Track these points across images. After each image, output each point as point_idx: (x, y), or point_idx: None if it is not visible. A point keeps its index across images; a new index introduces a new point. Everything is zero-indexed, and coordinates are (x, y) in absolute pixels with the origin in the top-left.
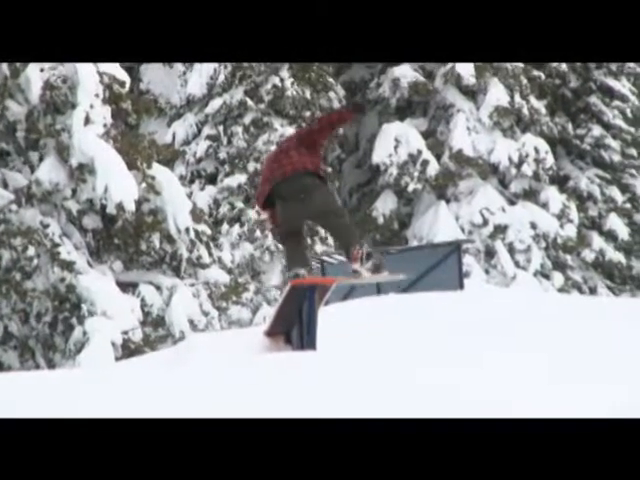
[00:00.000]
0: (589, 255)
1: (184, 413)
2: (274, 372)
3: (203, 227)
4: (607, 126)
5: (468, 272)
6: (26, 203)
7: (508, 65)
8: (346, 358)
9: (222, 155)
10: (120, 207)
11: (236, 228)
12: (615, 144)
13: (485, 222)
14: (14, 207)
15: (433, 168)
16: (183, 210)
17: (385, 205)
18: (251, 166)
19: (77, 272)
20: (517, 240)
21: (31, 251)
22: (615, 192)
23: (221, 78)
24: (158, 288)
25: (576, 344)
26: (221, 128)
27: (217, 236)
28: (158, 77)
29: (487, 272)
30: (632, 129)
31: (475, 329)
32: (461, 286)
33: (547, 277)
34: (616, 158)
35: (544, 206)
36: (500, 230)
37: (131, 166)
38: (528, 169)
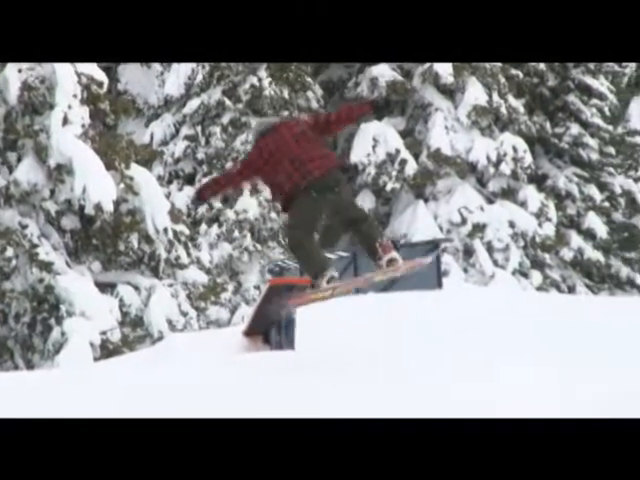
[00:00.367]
0: (567, 254)
1: (162, 413)
2: (252, 372)
3: (181, 227)
4: (585, 124)
5: (447, 271)
6: (4, 204)
7: (486, 64)
8: (324, 358)
9: (200, 155)
10: (98, 207)
11: (214, 228)
12: (593, 142)
13: (463, 221)
14: None
15: (411, 167)
16: (161, 210)
17: (363, 204)
18: (229, 166)
19: (55, 273)
20: (495, 239)
21: (9, 252)
22: (593, 190)
23: (199, 78)
24: (136, 288)
25: (555, 342)
26: (199, 128)
27: (195, 236)
28: (136, 77)
29: (466, 271)
30: (610, 127)
31: (454, 328)
32: (439, 285)
33: (525, 276)
34: (594, 156)
35: (522, 205)
36: (478, 229)
37: (109, 166)
38: (506, 168)
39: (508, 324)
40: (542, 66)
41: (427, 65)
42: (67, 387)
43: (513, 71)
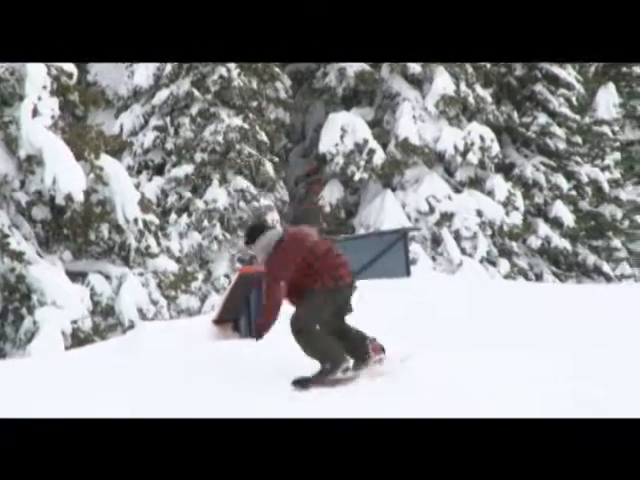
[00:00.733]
0: (535, 242)
1: (134, 400)
2: (221, 359)
3: (151, 217)
4: (552, 114)
5: (415, 259)
6: None
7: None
8: (293, 346)
9: (169, 146)
10: (69, 198)
11: (184, 218)
12: (560, 132)
13: (431, 210)
14: None
15: (379, 157)
16: (131, 200)
17: (331, 194)
18: (198, 156)
19: (27, 262)
20: (463, 227)
21: None
22: (560, 179)
23: (168, 69)
24: (107, 277)
25: (522, 329)
26: (168, 119)
27: (165, 226)
28: (106, 69)
29: (434, 259)
30: (577, 117)
31: (423, 315)
32: (408, 273)
33: (493, 264)
34: (561, 146)
35: (490, 194)
36: (446, 218)
37: (79, 157)
38: (474, 157)
39: (476, 311)
40: None
41: None
42: (39, 375)
43: None
